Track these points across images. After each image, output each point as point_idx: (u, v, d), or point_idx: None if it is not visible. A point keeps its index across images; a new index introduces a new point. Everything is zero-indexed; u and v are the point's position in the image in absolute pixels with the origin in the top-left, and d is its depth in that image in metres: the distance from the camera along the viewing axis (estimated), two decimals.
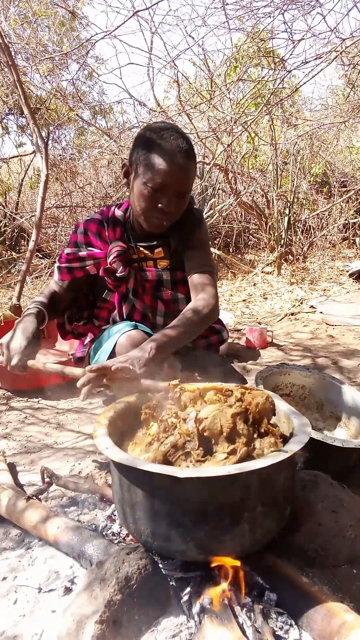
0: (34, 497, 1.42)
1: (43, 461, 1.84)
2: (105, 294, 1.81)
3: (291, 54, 3.82)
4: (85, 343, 1.92)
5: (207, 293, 1.66)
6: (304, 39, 3.48)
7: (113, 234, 1.75)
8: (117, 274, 1.70)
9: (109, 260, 1.70)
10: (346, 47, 3.65)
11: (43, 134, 4.00)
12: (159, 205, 1.59)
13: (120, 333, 1.60)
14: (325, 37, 3.49)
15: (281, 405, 1.27)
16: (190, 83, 5.21)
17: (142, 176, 1.59)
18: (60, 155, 6.90)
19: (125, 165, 1.69)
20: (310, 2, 3.21)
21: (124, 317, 1.75)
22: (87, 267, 1.75)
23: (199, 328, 1.59)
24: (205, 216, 4.25)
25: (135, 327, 1.63)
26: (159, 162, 1.55)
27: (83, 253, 1.74)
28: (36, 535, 1.32)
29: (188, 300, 1.84)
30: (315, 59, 3.63)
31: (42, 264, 5.87)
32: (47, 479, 1.57)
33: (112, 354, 1.58)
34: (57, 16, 5.29)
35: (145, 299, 1.77)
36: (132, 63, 4.35)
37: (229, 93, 4.87)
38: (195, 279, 1.71)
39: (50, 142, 5.19)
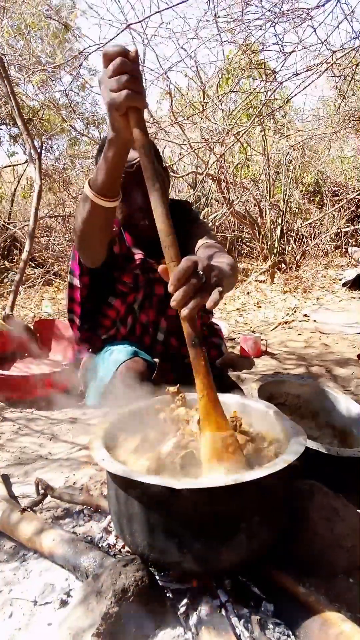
0: (29, 509, 1.41)
1: (37, 472, 1.83)
2: (110, 298, 1.75)
3: (282, 66, 3.87)
4: (80, 350, 1.90)
5: (227, 256, 1.53)
6: (295, 51, 3.51)
7: (130, 238, 1.72)
8: (132, 285, 1.67)
9: (133, 265, 1.66)
10: (337, 59, 3.70)
11: (36, 144, 4.02)
12: (134, 206, 1.58)
13: (118, 362, 1.57)
14: (316, 49, 3.53)
15: (276, 415, 1.28)
16: (182, 94, 5.25)
17: None
18: (53, 165, 6.94)
19: None
20: (300, 15, 3.25)
21: (127, 328, 1.73)
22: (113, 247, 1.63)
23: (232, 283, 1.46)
24: None
25: (135, 354, 1.60)
26: None
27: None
28: (31, 548, 1.31)
29: None
30: (306, 70, 3.68)
31: (35, 273, 5.86)
32: (41, 491, 1.56)
33: (112, 384, 1.56)
34: (50, 28, 5.34)
35: (149, 313, 1.75)
36: None
37: (221, 104, 4.92)
38: (205, 244, 1.61)
39: (43, 152, 5.20)
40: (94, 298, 1.73)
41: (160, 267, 1.00)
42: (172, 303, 0.95)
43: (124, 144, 1.11)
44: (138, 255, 1.67)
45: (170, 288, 0.94)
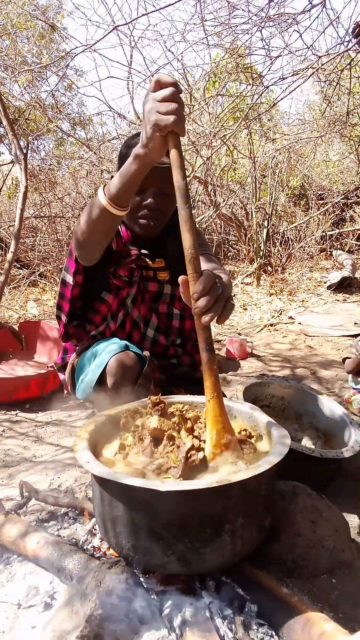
0: (13, 512, 1.40)
1: (22, 475, 1.82)
2: (103, 293, 1.75)
3: (269, 70, 3.89)
4: (66, 348, 1.88)
5: (224, 271, 1.60)
6: (281, 55, 3.53)
7: (127, 234, 1.75)
8: (127, 278, 1.69)
9: (126, 261, 1.68)
10: (322, 64, 3.73)
11: (22, 144, 3.99)
12: (144, 203, 1.61)
13: (110, 354, 1.57)
14: (302, 54, 3.56)
15: (261, 417, 1.29)
16: None
17: None
18: (39, 165, 6.89)
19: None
20: (287, 20, 3.28)
21: (116, 323, 1.74)
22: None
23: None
24: None
25: (126, 347, 1.60)
26: None
27: None
28: (15, 551, 1.31)
29: (182, 317, 1.84)
30: (293, 75, 3.70)
31: (20, 274, 5.82)
32: (25, 493, 1.56)
33: (102, 377, 1.55)
34: (37, 28, 5.31)
35: (141, 308, 1.76)
36: (112, 76, 4.36)
37: (207, 107, 4.93)
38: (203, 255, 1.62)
39: (29, 152, 5.16)
40: (86, 295, 1.75)
41: (182, 278, 1.07)
42: (195, 310, 1.03)
43: (151, 162, 1.19)
44: (134, 251, 1.70)
45: (193, 296, 1.03)
